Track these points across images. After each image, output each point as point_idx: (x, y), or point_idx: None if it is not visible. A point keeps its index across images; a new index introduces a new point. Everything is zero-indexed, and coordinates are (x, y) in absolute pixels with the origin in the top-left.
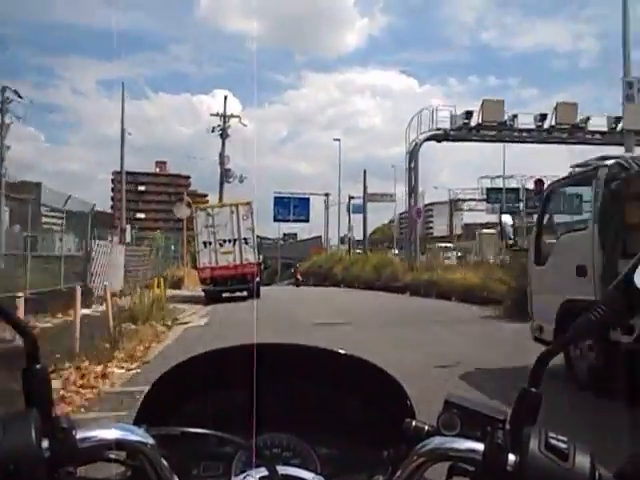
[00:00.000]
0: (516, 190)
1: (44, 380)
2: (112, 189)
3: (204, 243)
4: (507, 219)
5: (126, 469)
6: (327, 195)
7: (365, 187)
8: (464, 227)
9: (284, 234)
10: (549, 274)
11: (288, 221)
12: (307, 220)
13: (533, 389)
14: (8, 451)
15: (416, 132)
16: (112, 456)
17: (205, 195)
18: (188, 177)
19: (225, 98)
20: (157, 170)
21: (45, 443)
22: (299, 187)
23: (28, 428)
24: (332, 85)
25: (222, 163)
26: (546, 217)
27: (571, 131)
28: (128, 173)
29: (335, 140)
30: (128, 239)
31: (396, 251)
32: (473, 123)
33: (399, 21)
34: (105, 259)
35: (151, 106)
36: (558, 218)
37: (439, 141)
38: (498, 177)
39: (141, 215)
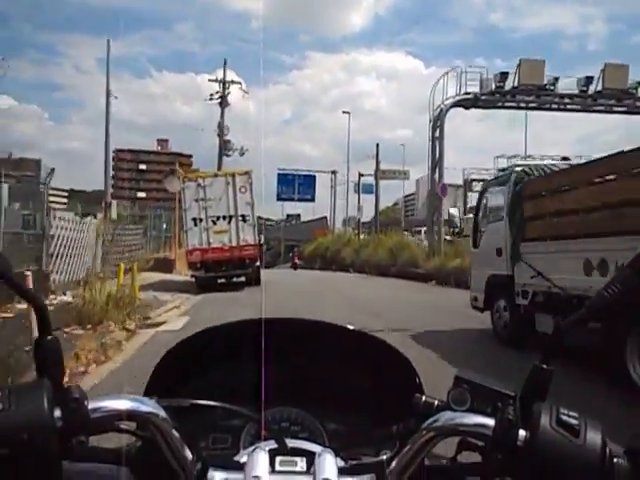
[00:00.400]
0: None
1: (56, 351)
2: (113, 167)
3: (194, 220)
4: (454, 211)
5: (137, 439)
6: (334, 173)
7: (378, 162)
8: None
9: (287, 215)
10: (480, 255)
11: (292, 200)
12: (313, 199)
13: (544, 365)
14: (21, 420)
15: (442, 96)
16: (123, 427)
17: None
18: (190, 156)
19: (225, 62)
20: (159, 148)
21: (57, 412)
22: (304, 167)
23: (40, 398)
24: (337, 66)
25: (221, 133)
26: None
27: (620, 97)
28: (129, 151)
29: (344, 113)
30: (114, 215)
31: (422, 234)
32: (508, 87)
33: (405, 1)
34: (74, 237)
35: (155, 85)
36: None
37: (467, 108)
38: (513, 157)
39: (142, 194)
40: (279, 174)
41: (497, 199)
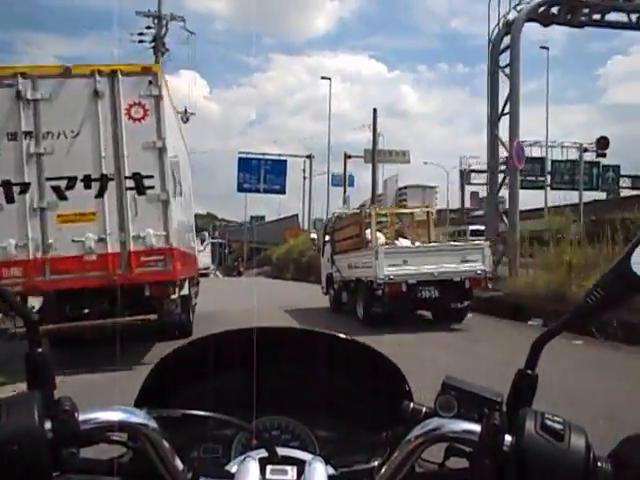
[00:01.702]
0: (539, 160)
1: (46, 363)
2: None
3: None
4: (314, 235)
5: (128, 450)
6: (310, 157)
7: (375, 129)
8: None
9: (251, 217)
10: (323, 263)
11: (257, 192)
12: (283, 191)
13: (529, 371)
14: (11, 432)
15: (507, 5)
16: (114, 438)
17: None
18: None
19: None
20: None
21: (48, 424)
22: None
23: (31, 410)
24: (301, 68)
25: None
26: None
27: None
28: None
29: (323, 79)
30: None
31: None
32: None
33: (370, 5)
34: None
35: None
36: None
37: (546, 25)
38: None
39: None
40: (240, 159)
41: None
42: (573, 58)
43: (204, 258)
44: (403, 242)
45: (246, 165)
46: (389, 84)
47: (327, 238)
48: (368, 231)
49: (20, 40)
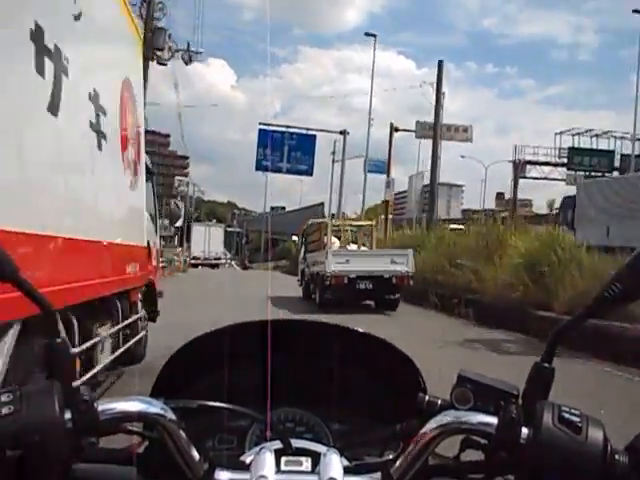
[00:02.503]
0: (609, 153)
1: (65, 353)
2: None
3: None
4: (295, 237)
5: (145, 440)
6: (344, 133)
7: (440, 86)
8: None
9: (272, 207)
10: (300, 260)
11: (279, 171)
12: (310, 172)
13: (546, 364)
14: (32, 422)
15: None
16: (132, 428)
17: (186, 157)
18: (167, 135)
19: None
20: None
21: (67, 414)
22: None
23: (51, 399)
24: (329, 62)
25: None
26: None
27: None
28: None
29: (367, 35)
30: None
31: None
32: None
33: (400, 1)
34: None
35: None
36: None
37: None
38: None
39: None
40: (261, 131)
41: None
42: None
43: (214, 246)
44: (352, 247)
45: (267, 139)
46: (417, 81)
47: (303, 240)
48: (326, 237)
49: None
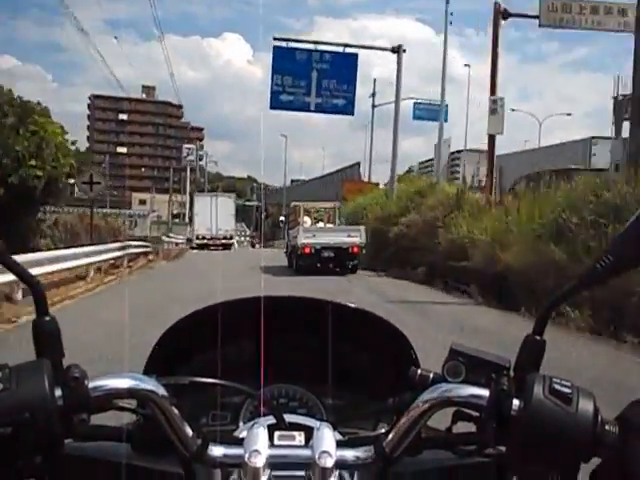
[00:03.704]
0: None
1: (54, 330)
2: (88, 117)
3: None
4: (282, 217)
5: (138, 417)
6: (399, 51)
7: None
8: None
9: (292, 180)
10: (285, 235)
11: (304, 109)
12: (349, 109)
13: (537, 336)
14: (22, 400)
15: None
16: (124, 405)
17: (201, 129)
18: (180, 106)
19: None
20: (143, 96)
21: (58, 392)
22: (310, 139)
23: (41, 377)
24: (345, 31)
25: None
26: None
27: None
28: (107, 98)
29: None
30: None
31: None
32: None
33: None
34: None
35: (160, 48)
36: None
37: None
38: None
39: (122, 149)
40: (276, 49)
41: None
42: None
43: (222, 222)
44: (319, 225)
45: (287, 61)
46: (435, 48)
47: (287, 220)
48: (300, 217)
49: (67, 3)
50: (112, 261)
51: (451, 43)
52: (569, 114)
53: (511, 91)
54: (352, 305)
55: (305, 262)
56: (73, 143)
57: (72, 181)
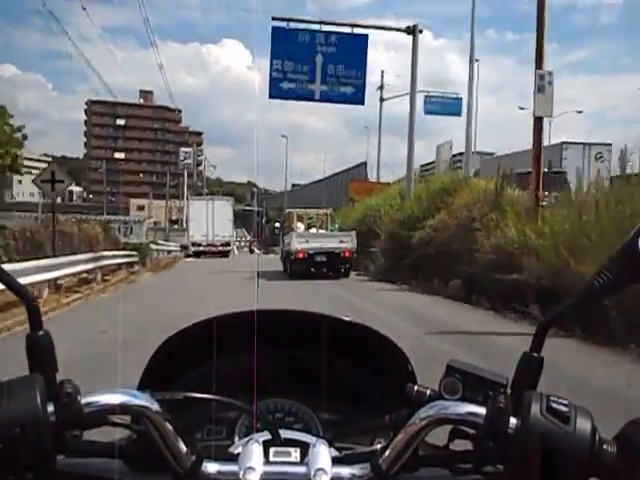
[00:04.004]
0: None
1: (48, 345)
2: (85, 122)
3: None
4: (278, 224)
5: (131, 433)
6: (414, 31)
7: None
8: None
9: (293, 185)
10: (281, 241)
11: (307, 98)
12: (359, 98)
13: (535, 354)
14: (14, 415)
15: None
16: (117, 420)
17: (200, 133)
18: (179, 111)
19: None
20: (141, 101)
21: (50, 407)
22: (310, 144)
23: (33, 393)
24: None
25: None
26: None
27: None
28: (104, 103)
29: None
30: None
31: None
32: None
33: None
34: None
35: (159, 55)
36: None
37: None
38: None
39: (120, 154)
40: (275, 30)
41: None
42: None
43: (220, 228)
44: (312, 230)
45: (287, 44)
46: (434, 52)
47: (281, 226)
48: (294, 223)
49: (67, 11)
50: (83, 275)
51: (450, 47)
52: (580, 111)
53: (509, 93)
54: (348, 319)
55: (299, 267)
56: (19, 129)
57: (19, 178)
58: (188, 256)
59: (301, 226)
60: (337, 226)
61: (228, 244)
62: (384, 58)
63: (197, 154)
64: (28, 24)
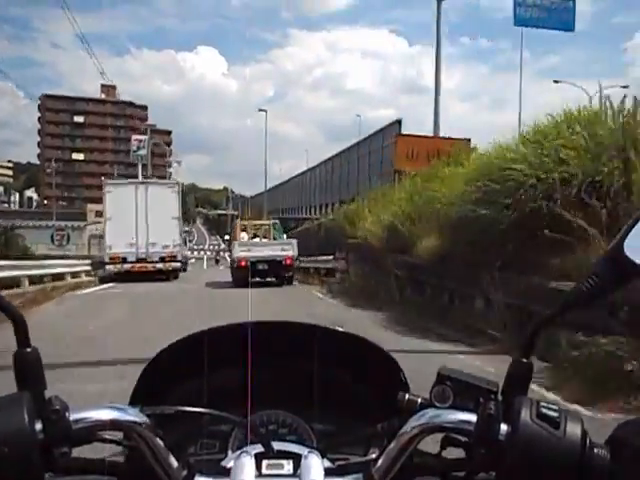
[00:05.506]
0: None
1: (35, 363)
2: (39, 119)
3: None
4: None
5: (122, 449)
6: None
7: None
8: None
9: (268, 190)
10: (230, 250)
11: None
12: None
13: (524, 360)
14: (1, 434)
15: None
16: (107, 436)
17: (169, 132)
18: (145, 107)
19: None
20: (102, 95)
21: (38, 425)
22: (287, 149)
23: (21, 410)
24: (320, 44)
25: None
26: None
27: None
28: (60, 98)
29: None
30: None
31: None
32: None
33: None
34: None
35: (134, 62)
36: None
37: None
38: None
39: (79, 155)
40: None
41: None
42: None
43: (156, 233)
44: (255, 239)
45: None
46: (410, 60)
47: (230, 235)
48: (238, 232)
49: (38, 18)
50: None
51: (425, 54)
52: (625, 86)
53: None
54: (340, 329)
55: (242, 274)
56: None
57: None
58: (105, 280)
59: (245, 235)
60: (284, 235)
61: (174, 258)
62: None
63: (142, 137)
64: None
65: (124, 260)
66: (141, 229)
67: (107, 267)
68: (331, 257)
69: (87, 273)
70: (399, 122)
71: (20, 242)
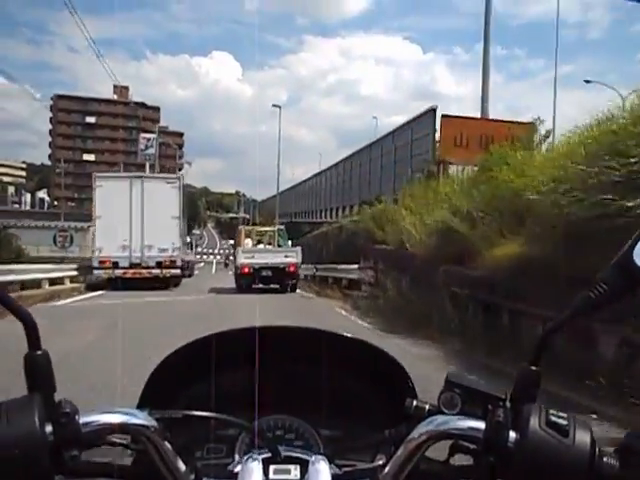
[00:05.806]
0: None
1: (46, 365)
2: (51, 119)
3: None
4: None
5: (130, 452)
6: None
7: None
8: None
9: (280, 193)
10: (234, 256)
11: None
12: None
13: (533, 367)
14: (12, 437)
15: None
16: (116, 440)
17: (181, 134)
18: (157, 108)
19: None
20: (115, 96)
21: (49, 428)
22: (299, 154)
23: (31, 413)
24: (334, 50)
25: None
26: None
27: None
28: (73, 98)
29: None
30: None
31: None
32: None
33: None
34: None
35: (150, 67)
36: None
37: None
38: None
39: (89, 156)
40: None
41: None
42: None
43: (152, 234)
44: (259, 246)
45: None
46: (423, 66)
47: (234, 242)
48: (242, 238)
49: (55, 22)
50: None
51: (439, 61)
52: None
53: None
54: (348, 335)
55: (246, 281)
56: None
57: None
58: (92, 288)
59: (249, 242)
60: (289, 242)
61: (173, 263)
62: None
63: (151, 135)
64: (16, 35)
65: (115, 265)
66: (135, 230)
67: (96, 272)
68: (355, 266)
69: (73, 279)
70: (434, 110)
71: (14, 242)
